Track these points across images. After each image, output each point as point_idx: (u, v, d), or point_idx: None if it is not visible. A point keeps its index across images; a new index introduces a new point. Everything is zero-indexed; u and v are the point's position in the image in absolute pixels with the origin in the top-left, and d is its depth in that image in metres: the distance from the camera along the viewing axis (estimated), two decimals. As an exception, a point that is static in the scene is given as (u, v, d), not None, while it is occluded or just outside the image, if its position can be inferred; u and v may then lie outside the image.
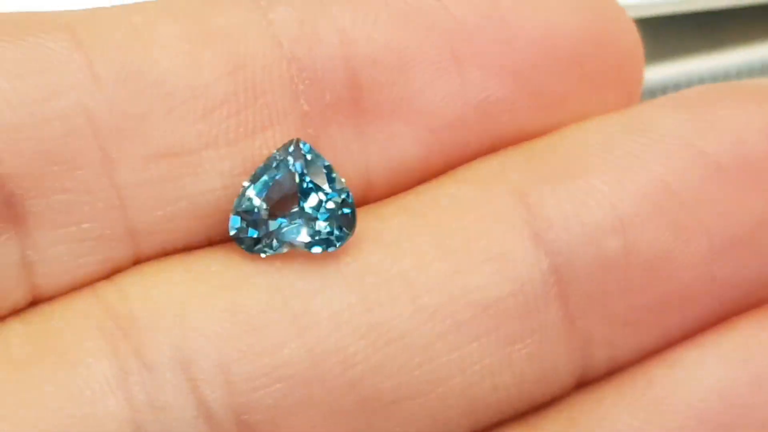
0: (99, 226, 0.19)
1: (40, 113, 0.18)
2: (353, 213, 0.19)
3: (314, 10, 0.20)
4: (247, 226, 0.19)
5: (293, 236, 0.19)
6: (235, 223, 0.19)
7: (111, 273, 0.20)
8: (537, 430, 0.20)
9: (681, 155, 0.20)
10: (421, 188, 0.20)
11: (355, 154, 0.20)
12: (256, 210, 0.19)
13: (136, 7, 0.20)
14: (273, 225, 0.19)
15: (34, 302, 0.19)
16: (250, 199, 0.19)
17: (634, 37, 0.21)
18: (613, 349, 0.20)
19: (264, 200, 0.19)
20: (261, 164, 0.19)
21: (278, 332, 0.19)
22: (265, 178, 0.19)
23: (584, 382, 0.21)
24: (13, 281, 0.19)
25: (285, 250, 0.19)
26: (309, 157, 0.19)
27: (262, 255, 0.19)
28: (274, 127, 0.19)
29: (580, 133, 0.21)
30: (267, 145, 0.19)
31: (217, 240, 0.20)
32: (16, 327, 0.19)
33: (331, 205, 0.19)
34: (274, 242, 0.19)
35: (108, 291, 0.19)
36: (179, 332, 0.19)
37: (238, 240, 0.19)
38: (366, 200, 0.20)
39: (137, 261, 0.20)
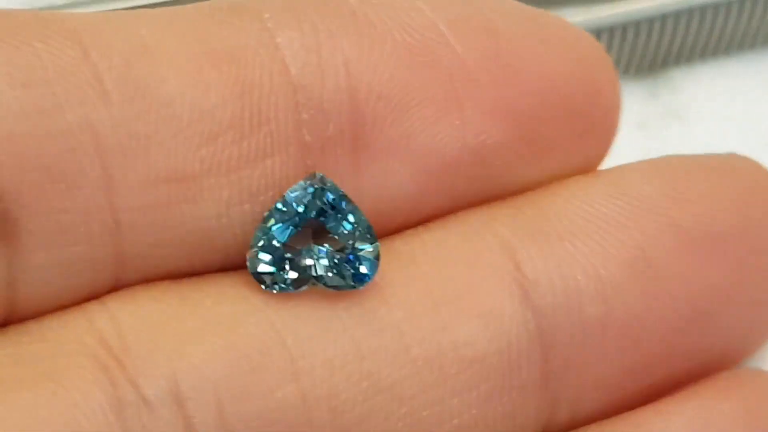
0: (91, 249, 0.18)
1: (44, 126, 0.18)
2: (377, 255, 0.19)
3: (321, 37, 0.19)
4: (267, 261, 0.19)
5: (313, 274, 0.19)
6: (254, 257, 0.19)
7: (91, 295, 0.19)
8: None
9: (656, 224, 0.20)
10: (408, 233, 0.20)
11: (348, 188, 0.20)
12: (277, 245, 0.19)
13: (143, 17, 0.19)
14: (294, 263, 0.19)
15: (8, 320, 0.19)
16: (272, 235, 0.19)
17: (616, 90, 0.22)
18: (576, 409, 0.20)
19: (287, 236, 0.19)
20: (280, 197, 0.19)
21: (274, 374, 0.19)
22: (288, 212, 0.19)
23: None
24: None
25: (304, 288, 0.19)
26: (332, 192, 0.19)
27: (275, 290, 0.19)
28: (274, 156, 0.19)
29: (565, 193, 0.21)
30: (266, 174, 0.19)
31: (202, 270, 0.19)
32: (3, 345, 0.18)
33: (355, 245, 0.19)
34: (292, 280, 0.19)
35: (100, 317, 0.19)
36: (175, 367, 0.18)
37: (255, 275, 0.19)
38: None
39: (118, 284, 0.19)
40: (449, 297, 0.19)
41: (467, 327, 0.19)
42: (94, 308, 0.19)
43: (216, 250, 0.19)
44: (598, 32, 0.29)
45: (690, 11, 0.30)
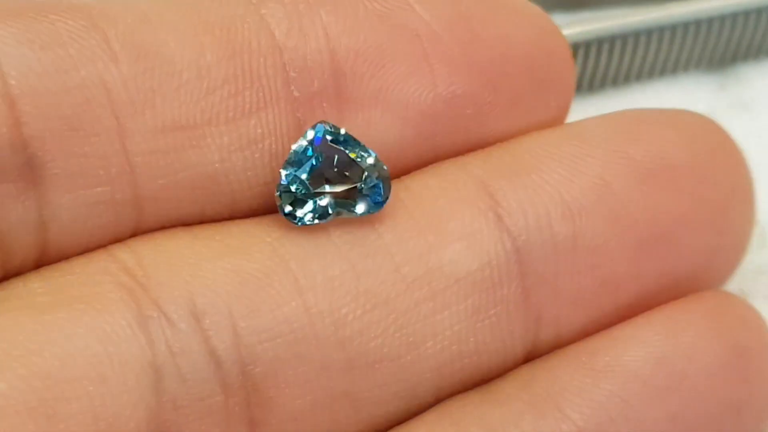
0: (110, 190, 0.20)
1: (62, 82, 0.20)
2: (389, 180, 0.21)
3: (301, 8, 0.22)
4: (295, 202, 0.21)
5: (338, 207, 0.21)
6: (285, 200, 0.21)
7: (115, 238, 0.21)
8: (495, 391, 0.22)
9: (615, 159, 0.23)
10: (394, 181, 0.22)
11: None
12: (303, 189, 0.21)
13: None
14: (319, 200, 0.21)
15: (42, 260, 0.21)
16: (299, 179, 0.21)
17: (568, 53, 0.24)
18: (558, 327, 0.22)
19: (310, 178, 0.21)
20: (296, 144, 0.21)
21: (280, 292, 0.21)
22: (309, 158, 0.21)
23: (532, 357, 0.23)
24: (27, 238, 0.20)
25: (331, 218, 0.21)
26: (343, 137, 0.21)
27: (308, 224, 0.21)
28: (267, 108, 0.21)
29: (529, 140, 0.23)
30: (260, 124, 0.21)
31: (212, 217, 0.21)
32: (35, 279, 0.20)
33: (369, 177, 0.21)
34: (319, 214, 0.21)
35: (122, 252, 0.21)
36: (192, 289, 0.20)
37: (287, 215, 0.21)
38: None
39: (138, 228, 0.21)
40: (432, 224, 0.22)
41: (451, 248, 0.22)
42: (115, 246, 0.21)
43: (223, 193, 0.21)
44: (673, 29, 0.32)
45: (759, 11, 0.32)
